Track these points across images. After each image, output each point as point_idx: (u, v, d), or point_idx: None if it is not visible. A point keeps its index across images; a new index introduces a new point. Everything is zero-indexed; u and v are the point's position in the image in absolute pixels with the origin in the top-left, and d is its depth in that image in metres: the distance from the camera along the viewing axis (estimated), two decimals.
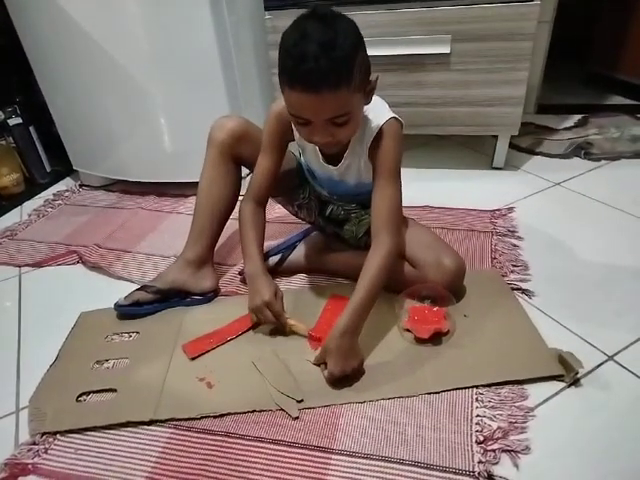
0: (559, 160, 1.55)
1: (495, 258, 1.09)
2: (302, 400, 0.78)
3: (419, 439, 0.71)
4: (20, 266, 1.24)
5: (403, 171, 0.88)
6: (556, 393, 0.77)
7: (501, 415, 0.74)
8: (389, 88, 1.40)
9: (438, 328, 0.87)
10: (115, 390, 0.84)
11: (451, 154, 1.64)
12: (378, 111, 0.87)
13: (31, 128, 1.65)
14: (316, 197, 1.09)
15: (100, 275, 1.18)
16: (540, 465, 0.67)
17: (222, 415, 0.77)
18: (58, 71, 1.42)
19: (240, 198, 1.03)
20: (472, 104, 1.39)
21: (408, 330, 0.89)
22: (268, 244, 1.11)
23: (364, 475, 0.67)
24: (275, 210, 1.31)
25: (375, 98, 0.84)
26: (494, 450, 0.68)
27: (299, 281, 1.08)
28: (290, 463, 0.70)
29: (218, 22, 1.27)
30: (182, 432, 0.76)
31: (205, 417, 0.77)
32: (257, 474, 0.69)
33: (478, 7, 1.26)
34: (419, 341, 0.87)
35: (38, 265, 1.24)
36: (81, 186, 1.67)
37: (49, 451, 0.75)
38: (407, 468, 0.68)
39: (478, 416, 0.74)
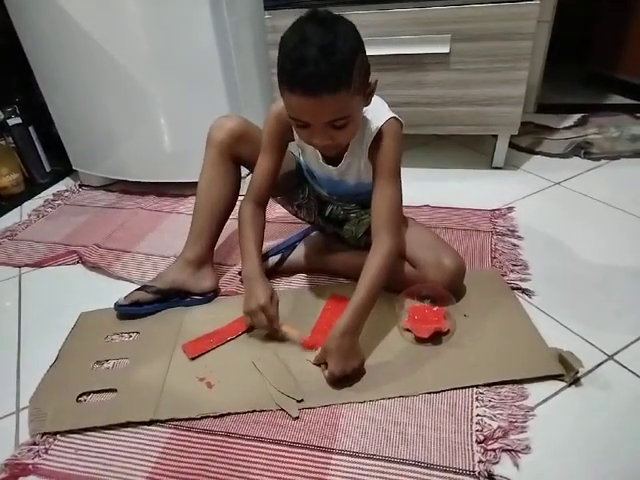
0: (559, 159, 1.55)
1: (495, 258, 1.09)
2: (302, 400, 0.78)
3: (419, 439, 0.71)
4: (20, 266, 1.24)
5: (403, 171, 0.88)
6: (556, 393, 0.77)
7: (501, 415, 0.74)
8: (388, 88, 1.40)
9: (438, 328, 0.87)
10: (115, 390, 0.84)
11: (451, 154, 1.65)
12: (378, 111, 0.87)
13: (31, 128, 1.64)
14: (316, 197, 1.09)
15: (100, 275, 1.18)
16: (540, 464, 0.67)
17: (222, 415, 0.77)
18: (58, 71, 1.42)
19: (240, 198, 1.03)
20: (472, 104, 1.39)
21: (408, 330, 0.89)
22: (268, 244, 1.11)
23: (365, 475, 0.67)
24: (275, 210, 1.31)
25: (375, 98, 0.83)
26: (494, 450, 0.68)
27: (299, 281, 1.08)
28: (290, 463, 0.70)
29: (218, 22, 1.27)
30: (182, 432, 0.76)
31: (205, 417, 0.77)
32: (257, 474, 0.69)
33: (477, 7, 1.26)
34: (419, 341, 0.87)
35: (38, 265, 1.24)
36: (81, 186, 1.67)
37: (49, 451, 0.75)
38: (407, 468, 0.68)
39: (478, 415, 0.74)
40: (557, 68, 2.01)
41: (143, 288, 1.00)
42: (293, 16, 0.75)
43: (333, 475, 0.68)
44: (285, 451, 0.72)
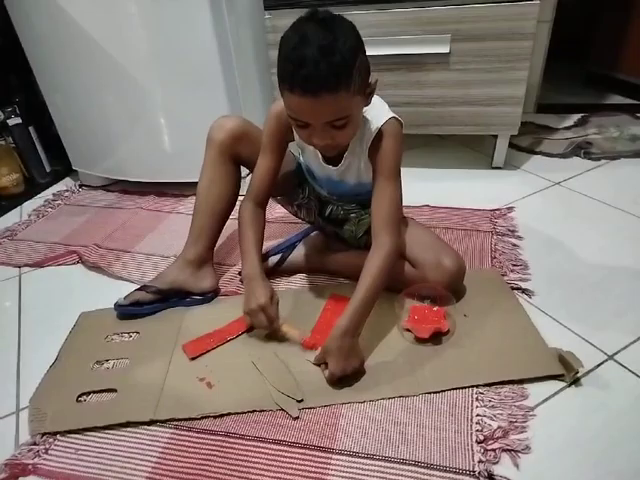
0: (559, 160, 1.55)
1: (495, 257, 1.09)
2: (302, 400, 0.78)
3: (419, 439, 0.71)
4: (20, 266, 1.24)
5: (403, 171, 0.88)
6: (556, 392, 0.77)
7: (501, 414, 0.74)
8: (388, 88, 1.40)
9: (438, 328, 0.87)
10: (115, 390, 0.84)
11: (451, 154, 1.65)
12: (378, 111, 0.87)
13: (31, 128, 1.64)
14: (316, 197, 1.09)
15: (100, 275, 1.18)
16: (540, 464, 0.67)
17: (222, 415, 0.77)
18: (58, 71, 1.42)
19: (240, 198, 1.03)
20: (472, 104, 1.39)
21: (408, 330, 0.89)
22: (268, 244, 1.11)
23: (365, 475, 0.67)
24: (275, 210, 1.31)
25: (375, 98, 0.83)
26: (494, 449, 0.68)
27: (299, 281, 1.08)
28: (291, 463, 0.70)
29: (218, 22, 1.27)
30: (182, 432, 0.76)
31: (205, 417, 0.77)
32: (257, 474, 0.69)
33: (477, 7, 1.26)
34: (419, 341, 0.87)
35: (38, 265, 1.24)
36: (81, 186, 1.67)
37: (49, 451, 0.75)
38: (408, 468, 0.68)
39: (478, 415, 0.74)
40: (557, 68, 2.01)
41: (143, 288, 1.00)
42: (293, 16, 0.75)
43: (333, 475, 0.68)
44: (285, 451, 0.72)
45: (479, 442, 0.70)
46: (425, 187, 1.41)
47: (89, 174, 1.62)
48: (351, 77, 0.72)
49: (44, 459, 0.74)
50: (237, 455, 0.72)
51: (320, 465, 0.69)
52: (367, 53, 0.77)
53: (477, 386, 0.78)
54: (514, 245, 1.13)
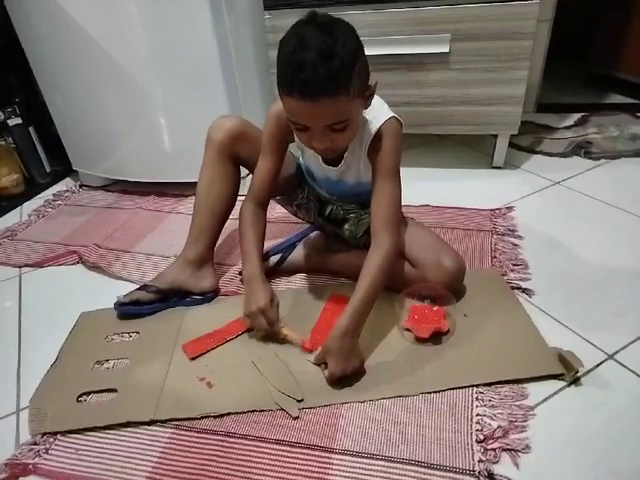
0: (559, 159, 1.55)
1: (495, 257, 1.09)
2: (302, 400, 0.78)
3: (420, 438, 0.71)
4: (20, 266, 1.24)
5: (403, 170, 0.88)
6: (556, 392, 0.77)
7: (501, 414, 0.74)
8: (388, 88, 1.40)
9: (438, 327, 0.87)
10: (115, 390, 0.84)
11: (451, 153, 1.65)
12: (377, 111, 0.86)
13: (31, 128, 1.65)
14: (315, 197, 1.09)
15: (100, 275, 1.18)
16: (540, 464, 0.67)
17: (222, 415, 0.77)
18: (58, 71, 1.42)
19: (240, 198, 1.03)
20: (472, 103, 1.39)
21: (408, 329, 0.89)
22: (268, 244, 1.11)
23: (366, 475, 0.67)
24: (275, 210, 1.31)
25: (375, 98, 0.83)
26: (494, 449, 0.68)
27: (299, 281, 1.08)
28: (292, 463, 0.70)
29: (217, 21, 1.27)
30: (183, 432, 0.76)
31: (205, 417, 0.77)
32: (259, 474, 0.69)
33: (477, 6, 1.26)
34: (419, 340, 0.87)
35: (38, 265, 1.24)
36: (81, 186, 1.67)
37: (50, 451, 0.75)
38: (408, 467, 0.68)
39: (478, 415, 0.74)
40: (557, 67, 2.01)
41: (143, 288, 1.00)
42: (293, 16, 0.75)
43: (335, 475, 0.68)
44: (287, 451, 0.72)
45: (479, 442, 0.70)
46: (425, 187, 1.41)
47: (89, 174, 1.62)
48: (350, 81, 0.72)
49: (44, 459, 0.74)
50: (238, 455, 0.72)
51: (322, 465, 0.69)
52: (367, 53, 0.77)
53: (477, 386, 0.78)
54: (514, 245, 1.13)
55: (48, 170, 1.73)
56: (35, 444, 0.76)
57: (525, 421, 0.72)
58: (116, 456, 0.73)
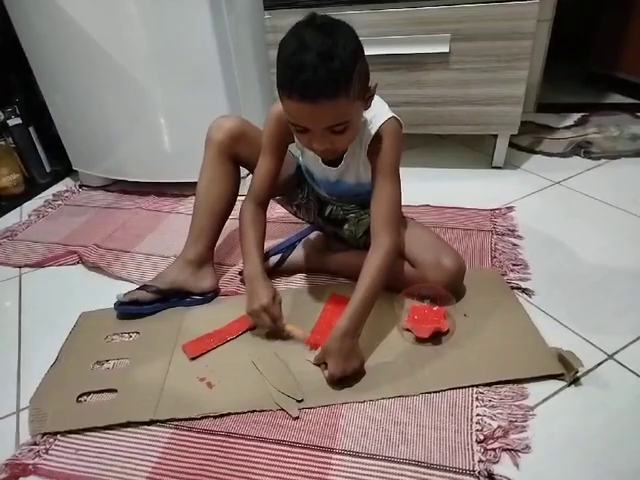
0: (559, 159, 1.55)
1: (495, 257, 1.09)
2: (302, 400, 0.78)
3: (420, 438, 0.71)
4: (20, 266, 1.24)
5: (402, 170, 0.88)
6: (556, 392, 0.77)
7: (501, 414, 0.74)
8: (388, 87, 1.40)
9: (438, 327, 0.87)
10: (115, 390, 0.84)
11: (451, 153, 1.65)
12: (377, 111, 0.86)
13: (31, 128, 1.65)
14: (315, 197, 1.09)
15: (100, 275, 1.18)
16: (540, 464, 0.67)
17: (222, 415, 0.77)
18: (57, 71, 1.42)
19: (240, 198, 1.03)
20: (472, 103, 1.39)
21: (408, 330, 0.89)
22: (268, 244, 1.11)
23: (365, 475, 0.67)
24: (275, 210, 1.31)
25: (374, 98, 0.83)
26: (494, 449, 0.68)
27: (299, 281, 1.08)
28: (291, 463, 0.70)
29: (217, 21, 1.27)
30: (183, 432, 0.76)
31: (205, 417, 0.77)
32: (259, 474, 0.69)
33: (477, 6, 1.26)
34: (419, 341, 0.87)
35: (38, 265, 1.24)
36: (81, 186, 1.67)
37: (50, 451, 0.75)
38: (408, 467, 0.68)
39: (478, 415, 0.74)
40: (557, 67, 2.01)
41: (143, 288, 1.00)
42: (292, 16, 0.75)
43: (334, 475, 0.68)
44: (286, 451, 0.72)
45: (479, 442, 0.70)
46: (425, 187, 1.41)
47: (89, 174, 1.62)
48: (350, 83, 0.71)
49: (44, 459, 0.74)
50: (238, 455, 0.72)
51: (321, 465, 0.69)
52: (367, 53, 0.77)
53: (477, 386, 0.78)
54: (514, 245, 1.13)
55: (48, 170, 1.73)
56: (35, 444, 0.76)
57: (525, 421, 0.72)
58: (116, 456, 0.73)
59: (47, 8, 1.29)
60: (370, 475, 0.67)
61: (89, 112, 1.45)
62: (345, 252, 1.07)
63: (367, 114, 0.85)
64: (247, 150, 0.99)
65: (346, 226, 1.06)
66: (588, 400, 0.75)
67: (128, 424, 0.78)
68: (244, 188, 1.02)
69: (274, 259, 1.10)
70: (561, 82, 2.15)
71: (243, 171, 1.06)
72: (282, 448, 0.72)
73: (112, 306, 0.99)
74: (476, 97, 1.38)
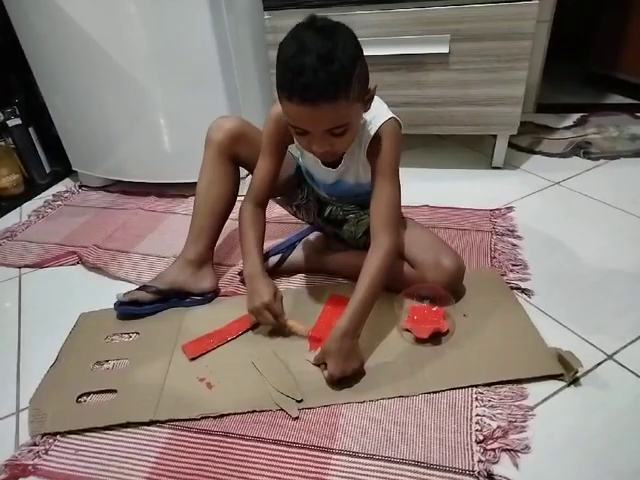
0: (558, 159, 1.55)
1: (494, 257, 1.09)
2: (302, 400, 0.78)
3: (419, 438, 0.71)
4: (20, 267, 1.24)
5: (402, 171, 0.88)
6: (555, 392, 0.77)
7: (501, 414, 0.74)
8: (388, 88, 1.40)
9: (437, 328, 0.87)
10: (115, 391, 0.84)
11: (450, 154, 1.65)
12: (377, 112, 0.86)
13: (30, 129, 1.65)
14: (315, 198, 1.09)
15: (100, 275, 1.18)
16: (540, 464, 0.67)
17: (222, 415, 0.77)
18: (57, 72, 1.42)
19: (240, 198, 1.03)
20: (471, 104, 1.39)
21: (408, 330, 0.89)
22: (268, 244, 1.11)
23: (365, 475, 0.67)
24: (274, 210, 1.31)
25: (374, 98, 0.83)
26: (494, 449, 0.68)
27: (299, 281, 1.08)
28: (290, 463, 0.70)
29: (217, 21, 1.27)
30: (181, 432, 0.76)
31: (205, 417, 0.77)
32: (257, 474, 0.69)
33: (477, 7, 1.26)
34: (419, 341, 0.87)
35: (38, 266, 1.24)
36: (80, 187, 1.67)
37: (49, 452, 0.75)
38: (407, 467, 0.68)
39: (478, 415, 0.74)
40: (557, 68, 2.01)
41: (143, 288, 1.00)
42: (292, 17, 0.75)
43: (333, 475, 0.68)
44: (285, 451, 0.72)
45: (479, 442, 0.70)
46: (424, 187, 1.41)
47: (89, 175, 1.62)
48: (350, 85, 0.72)
49: (44, 460, 0.74)
50: (236, 455, 0.72)
51: (320, 465, 0.69)
52: (367, 54, 0.77)
53: (477, 386, 0.78)
54: (513, 245, 1.13)
55: (48, 171, 1.73)
56: (35, 445, 0.76)
57: (525, 421, 0.72)
58: (115, 456, 0.73)
59: (47, 8, 1.30)
60: (369, 475, 0.67)
61: (89, 112, 1.45)
62: (345, 252, 1.07)
63: (366, 115, 0.85)
64: (247, 150, 1.00)
65: (346, 226, 1.06)
66: (588, 400, 0.75)
67: (128, 424, 0.78)
68: (244, 188, 1.02)
69: (274, 259, 1.10)
70: (561, 82, 2.15)
71: (243, 171, 1.06)
72: (280, 448, 0.72)
73: (112, 306, 0.99)
74: (476, 97, 1.38)
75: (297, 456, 0.71)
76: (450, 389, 0.78)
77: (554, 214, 1.25)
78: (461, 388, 0.78)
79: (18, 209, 1.58)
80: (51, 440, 0.77)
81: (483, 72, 1.34)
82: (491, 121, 1.41)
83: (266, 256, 1.08)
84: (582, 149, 1.57)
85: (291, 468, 0.69)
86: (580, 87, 2.14)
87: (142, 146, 1.46)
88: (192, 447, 0.73)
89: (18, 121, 1.59)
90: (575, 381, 0.78)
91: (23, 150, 1.65)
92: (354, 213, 1.05)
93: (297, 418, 0.76)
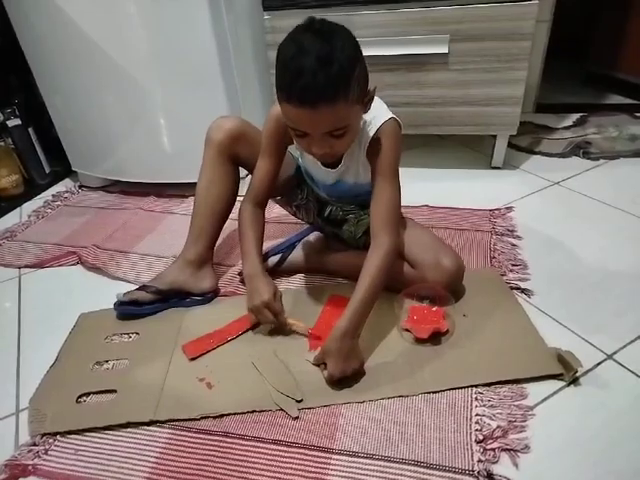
0: (558, 159, 1.55)
1: (494, 257, 1.09)
2: (302, 400, 0.79)
3: (419, 438, 0.71)
4: (20, 267, 1.24)
5: (402, 171, 0.88)
6: (555, 392, 0.77)
7: (501, 414, 0.74)
8: (388, 88, 1.40)
9: (437, 328, 0.87)
10: (115, 391, 0.84)
11: (450, 154, 1.65)
12: (376, 112, 0.86)
13: (30, 129, 1.65)
14: (315, 198, 1.09)
15: (100, 276, 1.18)
16: (539, 464, 0.67)
17: (222, 415, 0.77)
18: (57, 72, 1.42)
19: (239, 199, 1.03)
20: (471, 104, 1.39)
21: (407, 330, 0.89)
22: (268, 244, 1.11)
23: (364, 475, 0.67)
24: (274, 210, 1.31)
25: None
26: (494, 449, 0.69)
27: (299, 281, 1.08)
28: (290, 463, 0.70)
29: (217, 21, 1.27)
30: (181, 432, 0.76)
31: (205, 418, 0.77)
32: (256, 474, 0.69)
33: (476, 7, 1.26)
34: (418, 341, 0.87)
35: (38, 266, 1.24)
36: (80, 187, 1.67)
37: (49, 452, 0.75)
38: (407, 467, 0.68)
39: (478, 415, 0.74)
40: (556, 68, 2.01)
41: (143, 288, 1.00)
42: (292, 17, 0.75)
43: (333, 475, 0.68)
44: (284, 451, 0.72)
45: (478, 442, 0.70)
46: (424, 187, 1.41)
47: (89, 175, 1.62)
48: (349, 87, 0.71)
49: (44, 460, 0.74)
50: (236, 455, 0.72)
51: (320, 465, 0.69)
52: (366, 54, 0.77)
53: (476, 386, 0.78)
54: (513, 245, 1.13)
55: (47, 171, 1.73)
56: (34, 445, 0.76)
57: (524, 421, 0.72)
58: (114, 456, 0.73)
59: (47, 8, 1.30)
60: (369, 475, 0.67)
61: (89, 112, 1.45)
62: (344, 252, 1.07)
63: (366, 115, 0.85)
64: (247, 150, 1.00)
65: (345, 226, 1.06)
66: (587, 400, 0.75)
67: (127, 424, 0.78)
68: (244, 188, 1.02)
69: (274, 259, 1.10)
70: (560, 82, 2.15)
71: (242, 171, 1.06)
72: (280, 448, 0.72)
73: (112, 306, 0.99)
74: (475, 98, 1.38)
75: (297, 456, 0.71)
76: (450, 389, 0.78)
77: (554, 214, 1.26)
78: (461, 388, 0.78)
79: (18, 209, 1.58)
80: (51, 440, 0.77)
81: (483, 72, 1.34)
82: (491, 121, 1.41)
83: (266, 256, 1.08)
84: (582, 149, 1.57)
85: (291, 468, 0.69)
86: (580, 87, 2.14)
87: (142, 146, 1.46)
88: (192, 447, 0.73)
89: (18, 121, 1.59)
90: (575, 381, 0.78)
91: (23, 150, 1.65)
92: (354, 213, 1.05)
93: (297, 418, 0.76)
